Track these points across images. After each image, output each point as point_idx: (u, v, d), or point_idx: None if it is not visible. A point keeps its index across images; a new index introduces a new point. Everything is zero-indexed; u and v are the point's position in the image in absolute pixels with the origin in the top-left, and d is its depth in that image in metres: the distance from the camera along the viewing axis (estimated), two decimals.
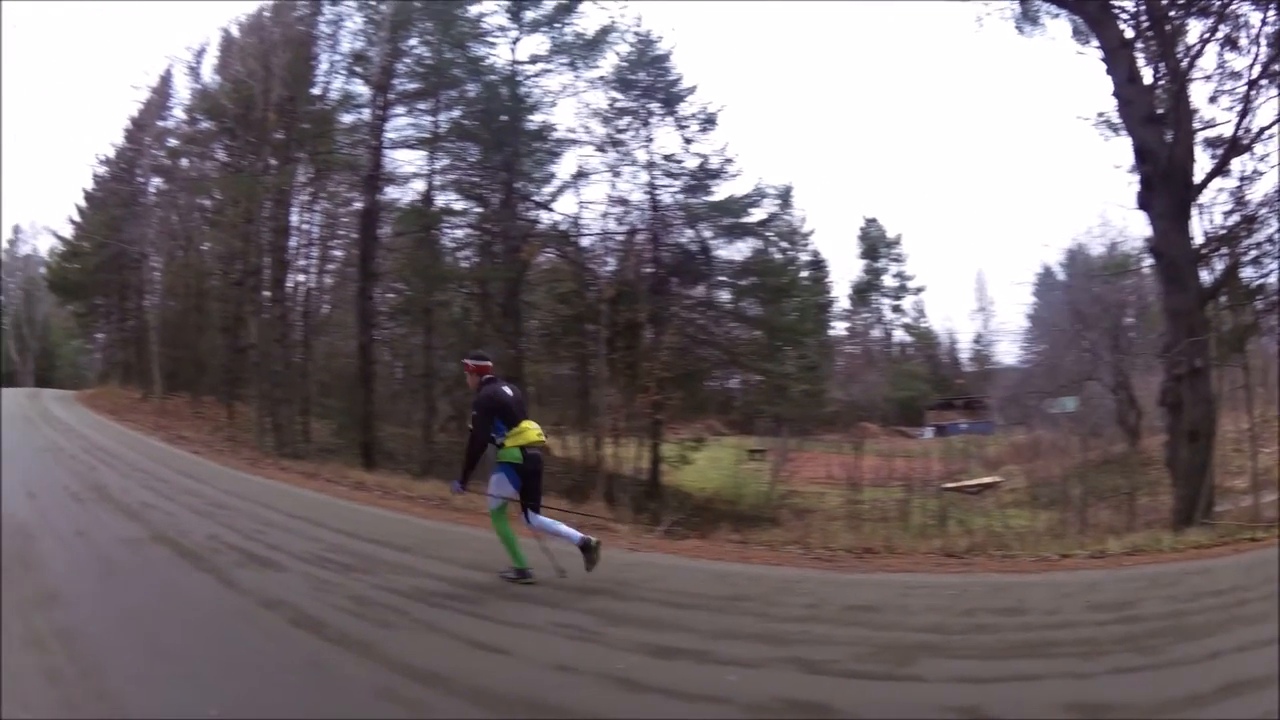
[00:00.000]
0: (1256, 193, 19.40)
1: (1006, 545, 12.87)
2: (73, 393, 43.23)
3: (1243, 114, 18.58)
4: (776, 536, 14.00)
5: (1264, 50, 18.48)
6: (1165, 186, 17.72)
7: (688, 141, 30.54)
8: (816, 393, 36.28)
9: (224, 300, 33.11)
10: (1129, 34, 18.93)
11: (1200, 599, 8.49)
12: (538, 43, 30.16)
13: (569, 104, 33.34)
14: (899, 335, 53.24)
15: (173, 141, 38.75)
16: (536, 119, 30.17)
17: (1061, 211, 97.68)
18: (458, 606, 8.07)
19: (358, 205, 30.20)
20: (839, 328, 49.75)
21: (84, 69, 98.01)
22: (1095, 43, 19.60)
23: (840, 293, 49.05)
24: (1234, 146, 18.64)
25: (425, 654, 6.55)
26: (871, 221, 52.09)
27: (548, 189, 30.80)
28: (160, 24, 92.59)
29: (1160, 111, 18.28)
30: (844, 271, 61.96)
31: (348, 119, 30.85)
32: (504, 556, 9.14)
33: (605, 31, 30.21)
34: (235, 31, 35.80)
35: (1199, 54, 18.79)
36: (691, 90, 30.87)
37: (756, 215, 31.76)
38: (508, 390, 9.19)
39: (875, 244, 51.14)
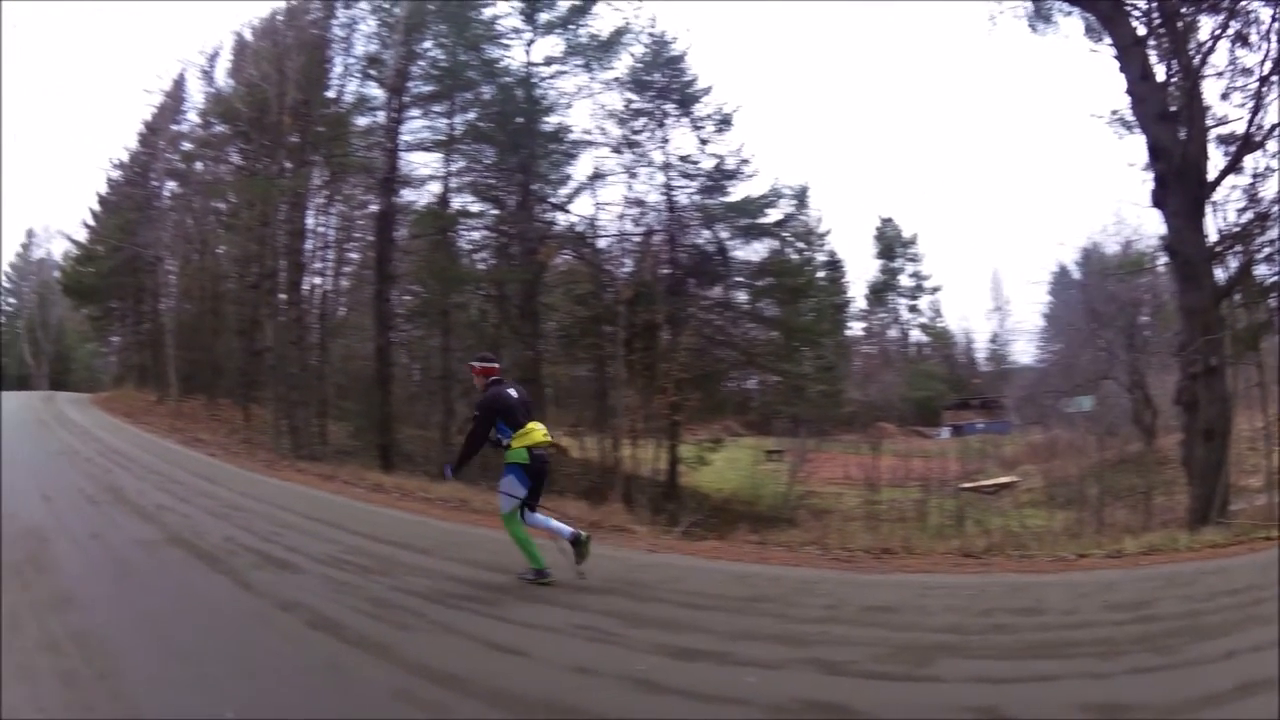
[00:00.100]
0: (1270, 190, 19.33)
1: (1024, 545, 12.72)
2: (87, 396, 43.38)
3: (1255, 110, 18.46)
4: (794, 537, 13.88)
5: (1275, 46, 18.34)
6: (1179, 184, 17.67)
7: (703, 142, 30.52)
8: (834, 393, 36.19)
9: (240, 303, 33.17)
10: (1141, 31, 18.87)
11: (1216, 598, 8.41)
12: (552, 44, 30.26)
13: (584, 105, 33.33)
14: (915, 335, 53.44)
15: (187, 145, 38.87)
16: (552, 121, 30.27)
17: (1076, 210, 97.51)
18: (476, 608, 8.04)
19: (374, 208, 30.23)
20: (856, 328, 49.94)
21: (97, 73, 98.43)
22: (1108, 40, 19.59)
23: (857, 293, 49.20)
24: (1247, 143, 18.53)
25: (443, 656, 6.53)
26: (887, 221, 52.32)
27: (564, 191, 30.93)
28: (173, 28, 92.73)
29: (1173, 109, 18.22)
30: (860, 271, 62.05)
31: (363, 122, 30.95)
32: (521, 558, 9.11)
33: (620, 33, 30.23)
34: (248, 35, 36.03)
35: (1211, 51, 18.69)
36: (707, 91, 30.87)
37: (773, 216, 31.75)
38: (512, 392, 9.24)
39: (891, 244, 51.15)
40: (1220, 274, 18.73)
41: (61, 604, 7.67)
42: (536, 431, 9.01)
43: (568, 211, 30.74)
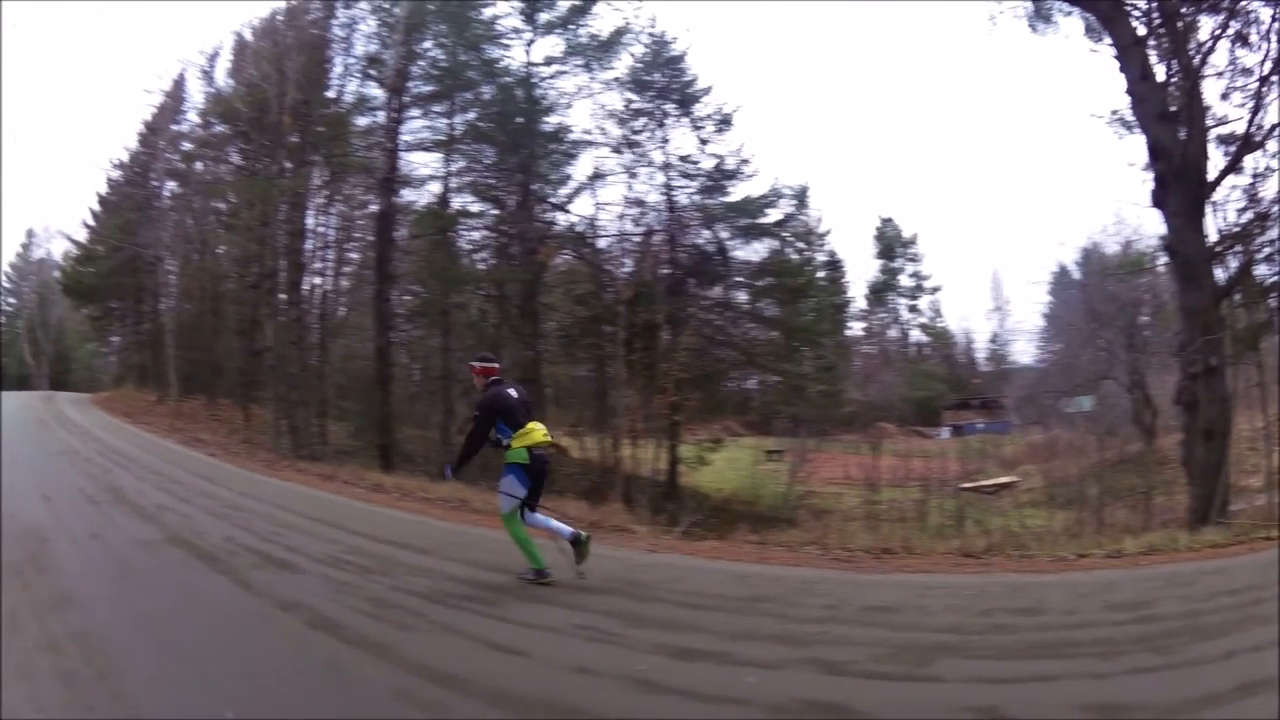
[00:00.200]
0: (1270, 190, 19.33)
1: (1024, 545, 12.73)
2: (87, 396, 43.39)
3: (1255, 110, 18.47)
4: (794, 537, 13.88)
5: (1275, 46, 18.36)
6: (1179, 184, 17.68)
7: (703, 142, 30.53)
8: (834, 393, 36.18)
9: (240, 303, 33.18)
10: (1141, 31, 18.89)
11: (1216, 598, 8.43)
12: (552, 44, 30.27)
13: (584, 105, 33.28)
14: (915, 335, 53.40)
15: (187, 145, 38.89)
16: (552, 121, 30.29)
17: (1077, 210, 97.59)
18: (476, 608, 8.04)
19: (374, 208, 30.24)
20: (856, 328, 49.92)
21: (97, 74, 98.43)
22: (1108, 40, 19.60)
23: (857, 293, 49.17)
24: (1246, 143, 18.54)
25: (443, 656, 6.54)
26: (887, 221, 52.32)
27: (564, 191, 30.95)
28: (172, 28, 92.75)
29: (1173, 109, 18.23)
30: (860, 271, 62.02)
31: (363, 122, 30.96)
32: (522, 558, 9.12)
33: (620, 33, 30.23)
34: (248, 35, 36.03)
35: (1211, 50, 18.70)
36: (707, 91, 30.87)
37: (773, 216, 31.74)
38: (512, 392, 9.26)
39: (891, 244, 51.16)
40: (1220, 274, 18.75)
41: (61, 604, 7.68)
42: (536, 431, 9.02)
43: (568, 211, 30.83)
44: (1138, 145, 20.11)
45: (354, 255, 33.46)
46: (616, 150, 30.19)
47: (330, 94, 30.91)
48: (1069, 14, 21.50)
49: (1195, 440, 17.30)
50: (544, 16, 29.91)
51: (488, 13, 29.86)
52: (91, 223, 46.28)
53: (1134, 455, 29.13)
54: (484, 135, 29.65)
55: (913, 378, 49.64)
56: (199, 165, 38.00)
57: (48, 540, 10.65)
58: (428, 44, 29.92)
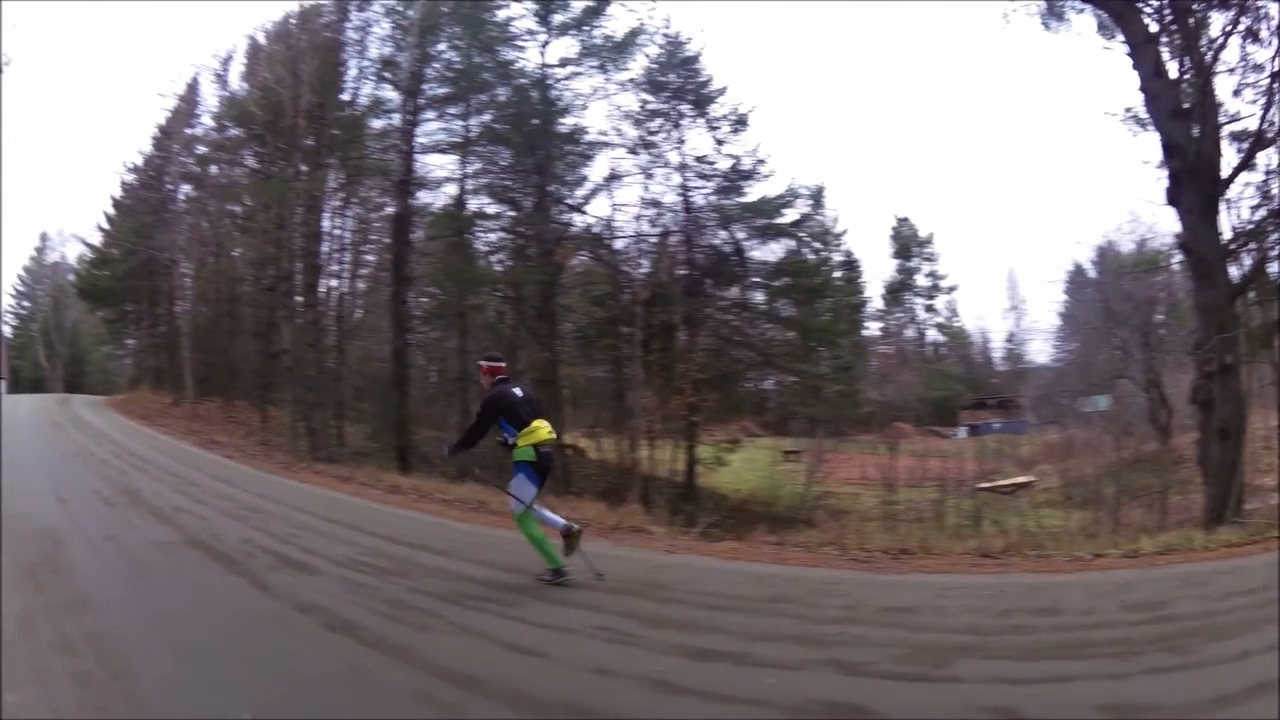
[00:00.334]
0: None
1: (1041, 545, 12.76)
2: (103, 398, 43.59)
3: (1267, 107, 18.47)
4: (813, 538, 13.93)
5: None
6: (1193, 181, 17.63)
7: (719, 143, 30.41)
8: (851, 393, 36.10)
9: (256, 305, 33.30)
10: (1153, 28, 18.86)
11: (1231, 598, 8.52)
12: (567, 46, 30.24)
13: (600, 107, 33.18)
14: (932, 335, 53.13)
15: (201, 149, 38.98)
16: (568, 122, 30.27)
17: (1092, 208, 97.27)
18: (494, 609, 8.09)
19: (390, 210, 30.32)
20: (872, 328, 49.55)
21: (110, 77, 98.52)
22: (1120, 38, 19.57)
23: (873, 292, 48.90)
24: (1259, 140, 18.53)
25: (462, 657, 6.59)
26: (903, 220, 51.99)
27: (580, 192, 30.86)
28: (185, 32, 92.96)
29: (1186, 106, 18.20)
30: (877, 271, 61.71)
31: (378, 124, 30.95)
32: (539, 559, 9.17)
33: (634, 34, 30.18)
34: (262, 39, 36.02)
35: (1222, 47, 18.69)
36: (722, 91, 30.76)
37: (789, 216, 31.60)
38: (517, 391, 9.33)
39: (907, 243, 50.96)
40: (1235, 271, 18.73)
41: (76, 606, 7.74)
42: (541, 429, 9.09)
43: (584, 213, 30.77)
44: (1152, 143, 20.02)
45: (370, 257, 33.54)
46: (632, 151, 30.16)
47: (345, 97, 30.99)
48: (1081, 11, 21.54)
49: (1210, 439, 17.26)
50: (558, 18, 29.90)
51: (502, 15, 29.96)
52: (106, 226, 46.33)
53: (1150, 454, 29.09)
54: (500, 137, 29.70)
55: (929, 377, 49.45)
56: (214, 168, 38.12)
57: (62, 542, 10.73)
58: (442, 46, 29.96)
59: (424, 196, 30.20)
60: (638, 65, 30.40)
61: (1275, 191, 19.34)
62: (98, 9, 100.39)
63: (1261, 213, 19.45)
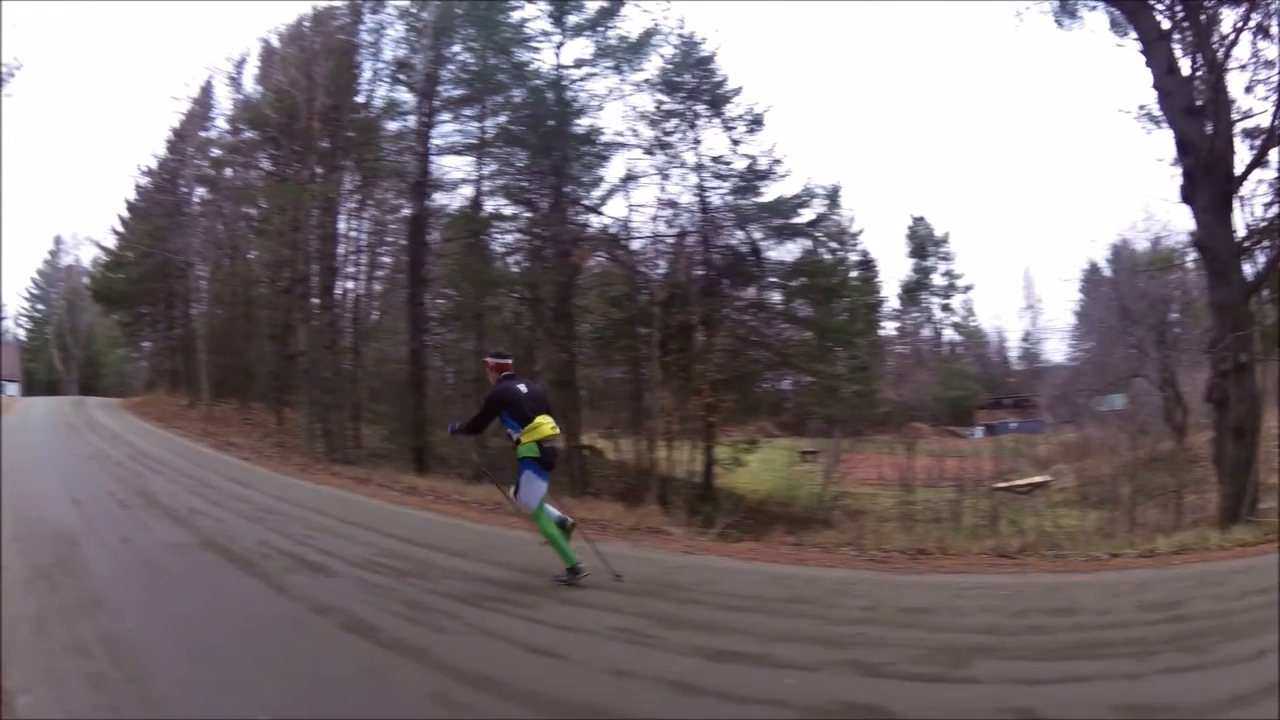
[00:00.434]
0: None
1: (1057, 545, 12.75)
2: (118, 400, 43.85)
3: (1279, 104, 18.46)
4: (830, 538, 13.93)
5: None
6: (1207, 179, 17.59)
7: (735, 143, 30.39)
8: (868, 393, 36.14)
9: (272, 307, 33.43)
10: (1165, 25, 18.83)
11: (1246, 597, 8.51)
12: (582, 47, 30.29)
13: (615, 107, 33.22)
14: (948, 334, 53.13)
15: (216, 151, 39.06)
16: (584, 123, 30.31)
17: (1107, 206, 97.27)
18: (512, 610, 8.08)
19: (406, 212, 30.47)
20: (889, 327, 49.59)
21: (124, 81, 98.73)
22: (1133, 35, 19.54)
23: (890, 292, 48.91)
24: (1271, 137, 18.48)
25: (479, 659, 6.59)
26: (919, 220, 52.09)
27: (597, 193, 30.95)
28: (199, 35, 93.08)
29: (1199, 103, 18.16)
30: (893, 271, 61.68)
31: (393, 126, 31.04)
32: (557, 560, 9.19)
33: (649, 34, 30.19)
34: (275, 41, 36.06)
35: (1234, 43, 18.64)
36: (737, 91, 30.75)
37: (806, 216, 31.58)
38: (521, 387, 9.37)
39: (923, 243, 50.97)
40: (1248, 269, 18.69)
41: (90, 607, 7.75)
42: (544, 425, 9.14)
43: (601, 214, 30.85)
44: (1165, 140, 20.00)
45: (386, 259, 33.72)
46: (648, 152, 30.22)
47: (360, 99, 31.09)
48: (1094, 9, 21.55)
49: (1226, 438, 17.20)
50: (573, 19, 29.95)
51: (516, 16, 29.99)
52: (120, 229, 46.45)
53: (1165, 453, 29.09)
54: (515, 138, 29.75)
55: (946, 377, 49.42)
56: (228, 171, 38.17)
57: (77, 544, 10.74)
58: (456, 48, 30.08)
59: (440, 198, 30.38)
60: (653, 66, 30.48)
61: None
62: (112, 13, 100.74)
63: (1275, 210, 19.41)
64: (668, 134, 30.23)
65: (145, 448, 24.05)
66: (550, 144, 29.07)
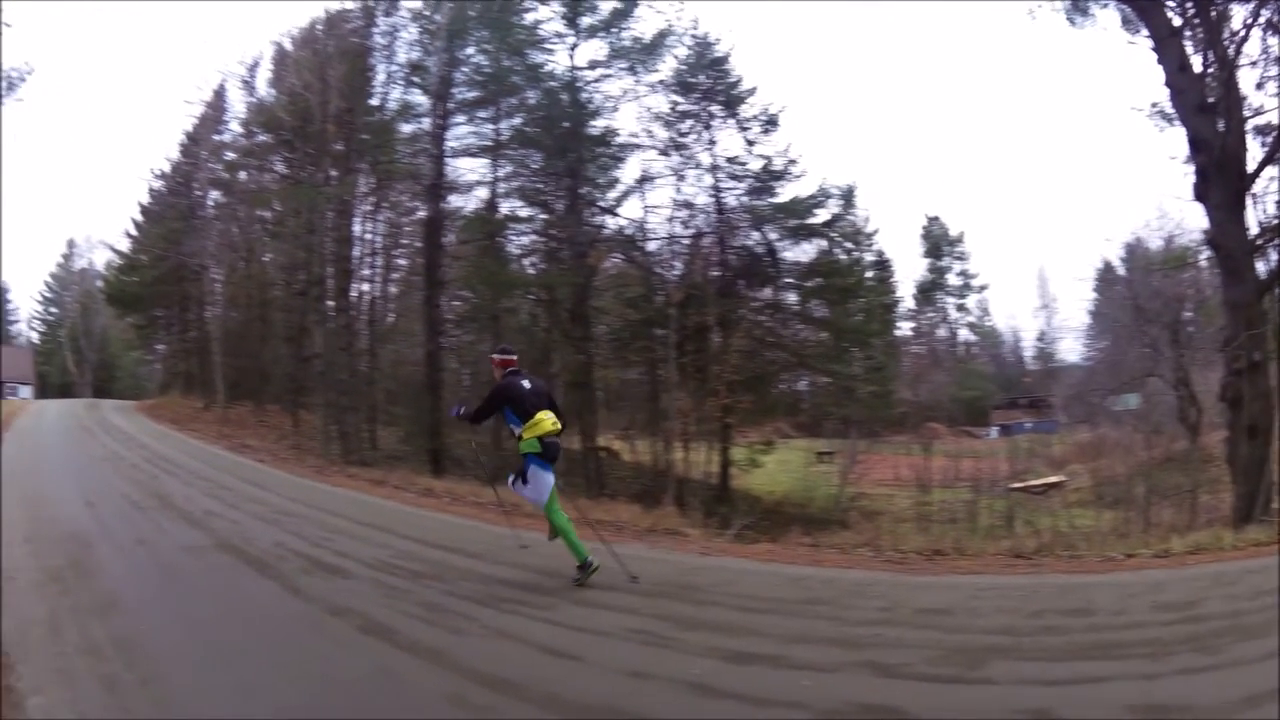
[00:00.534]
0: None
1: (1073, 545, 12.76)
2: (132, 403, 44.07)
3: None
4: (847, 539, 13.94)
5: None
6: (1220, 177, 17.57)
7: (750, 143, 30.32)
8: (884, 394, 35.98)
9: (287, 310, 33.56)
10: (1177, 22, 18.82)
11: (1260, 597, 8.44)
12: (596, 48, 30.30)
13: (630, 108, 33.29)
14: (964, 334, 53.08)
15: (230, 155, 39.18)
16: (598, 124, 30.30)
17: (1121, 205, 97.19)
18: (529, 612, 8.11)
19: (421, 214, 30.53)
20: (904, 328, 49.44)
21: (137, 84, 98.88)
22: (1145, 32, 19.52)
23: (905, 292, 48.86)
24: None
25: (496, 660, 6.62)
26: (934, 220, 52.05)
27: (612, 194, 30.93)
28: (211, 38, 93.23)
29: (1211, 100, 18.13)
30: (908, 271, 61.63)
31: (408, 128, 31.02)
32: (573, 561, 9.19)
33: (663, 35, 30.20)
34: (288, 45, 36.09)
35: (1244, 40, 18.62)
36: (752, 92, 30.66)
37: (821, 216, 31.44)
38: (525, 383, 9.44)
39: (938, 242, 50.90)
40: (1262, 267, 18.66)
41: (104, 609, 7.81)
42: (545, 421, 9.21)
43: (616, 215, 30.82)
44: (1178, 138, 19.98)
45: (402, 261, 33.78)
46: (664, 153, 30.24)
47: (374, 101, 31.09)
48: (1105, 6, 21.54)
49: (1240, 437, 17.18)
50: (586, 20, 29.93)
51: (529, 18, 29.97)
52: (134, 232, 46.57)
53: (1179, 453, 29.00)
54: (530, 140, 29.76)
55: (961, 377, 49.38)
56: (242, 174, 38.27)
57: (91, 545, 10.82)
58: (470, 50, 30.07)
59: (455, 200, 30.44)
60: (667, 67, 30.46)
61: None
62: (125, 16, 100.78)
63: None
64: (683, 135, 30.25)
65: (160, 450, 24.13)
66: (565, 146, 29.05)
